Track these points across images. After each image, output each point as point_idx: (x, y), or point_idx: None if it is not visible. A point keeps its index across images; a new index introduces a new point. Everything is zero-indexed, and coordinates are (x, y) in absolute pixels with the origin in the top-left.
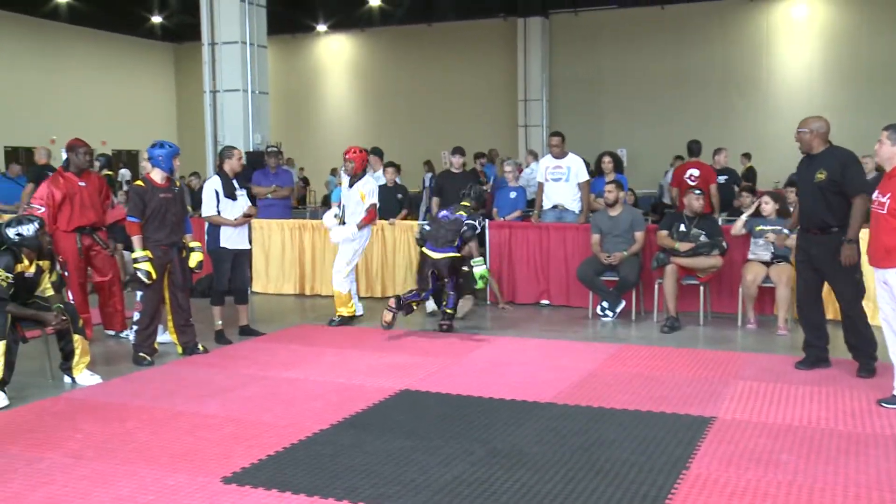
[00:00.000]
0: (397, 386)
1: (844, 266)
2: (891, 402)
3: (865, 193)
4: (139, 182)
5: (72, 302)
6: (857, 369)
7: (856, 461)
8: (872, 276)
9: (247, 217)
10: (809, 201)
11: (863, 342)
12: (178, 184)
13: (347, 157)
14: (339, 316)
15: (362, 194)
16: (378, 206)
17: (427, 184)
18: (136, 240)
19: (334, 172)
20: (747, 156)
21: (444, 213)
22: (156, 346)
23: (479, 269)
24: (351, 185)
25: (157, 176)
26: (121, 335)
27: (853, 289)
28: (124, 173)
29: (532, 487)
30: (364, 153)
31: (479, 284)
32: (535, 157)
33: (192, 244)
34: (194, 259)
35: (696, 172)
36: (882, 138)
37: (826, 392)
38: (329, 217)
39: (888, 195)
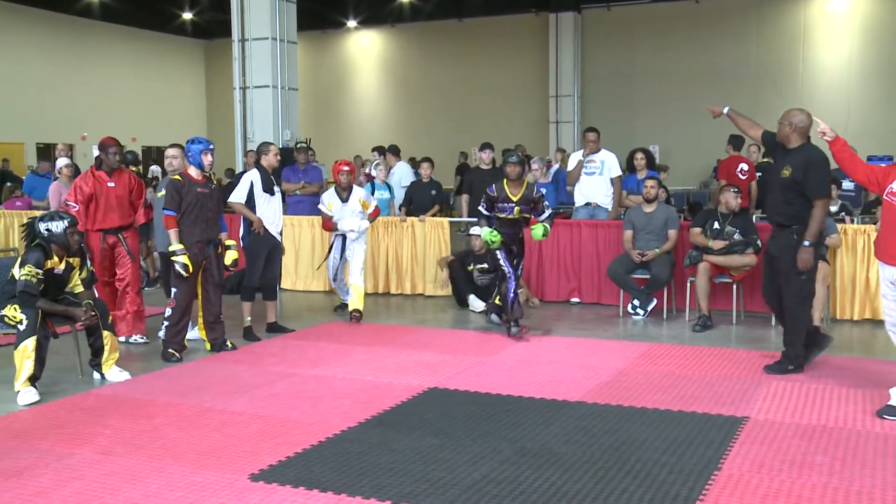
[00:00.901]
0: (426, 384)
1: (798, 268)
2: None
3: (826, 198)
4: (177, 176)
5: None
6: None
7: (894, 463)
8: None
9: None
10: (774, 195)
11: (794, 341)
12: (214, 181)
13: (347, 169)
14: (357, 311)
15: (364, 202)
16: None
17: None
18: (172, 233)
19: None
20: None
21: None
22: (185, 342)
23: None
24: (346, 200)
25: (194, 171)
26: (129, 339)
27: (797, 288)
28: (154, 170)
29: (561, 487)
30: (352, 165)
31: (539, 235)
32: (564, 154)
33: (229, 242)
34: (230, 257)
35: (745, 167)
36: None
37: (862, 393)
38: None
39: None
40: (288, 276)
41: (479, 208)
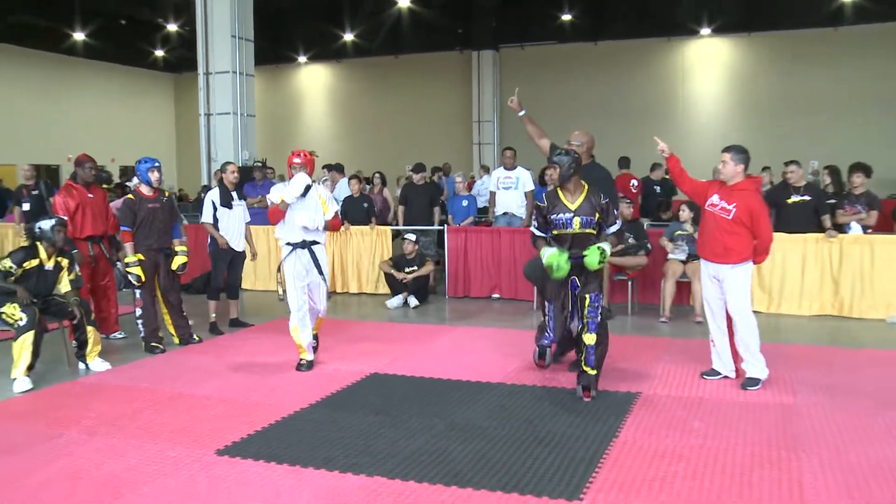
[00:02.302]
0: (367, 370)
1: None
2: (711, 375)
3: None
4: (130, 196)
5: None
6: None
7: (752, 423)
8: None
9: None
10: None
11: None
12: (167, 193)
13: (299, 161)
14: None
15: (323, 201)
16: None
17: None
18: (128, 246)
19: None
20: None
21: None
22: (161, 335)
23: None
24: (305, 194)
25: (145, 188)
26: (110, 337)
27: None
28: (132, 184)
29: (485, 455)
30: (313, 156)
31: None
32: (487, 171)
33: (178, 248)
34: (176, 262)
35: (636, 182)
36: (725, 159)
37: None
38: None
39: (734, 204)
40: (248, 277)
41: (532, 228)
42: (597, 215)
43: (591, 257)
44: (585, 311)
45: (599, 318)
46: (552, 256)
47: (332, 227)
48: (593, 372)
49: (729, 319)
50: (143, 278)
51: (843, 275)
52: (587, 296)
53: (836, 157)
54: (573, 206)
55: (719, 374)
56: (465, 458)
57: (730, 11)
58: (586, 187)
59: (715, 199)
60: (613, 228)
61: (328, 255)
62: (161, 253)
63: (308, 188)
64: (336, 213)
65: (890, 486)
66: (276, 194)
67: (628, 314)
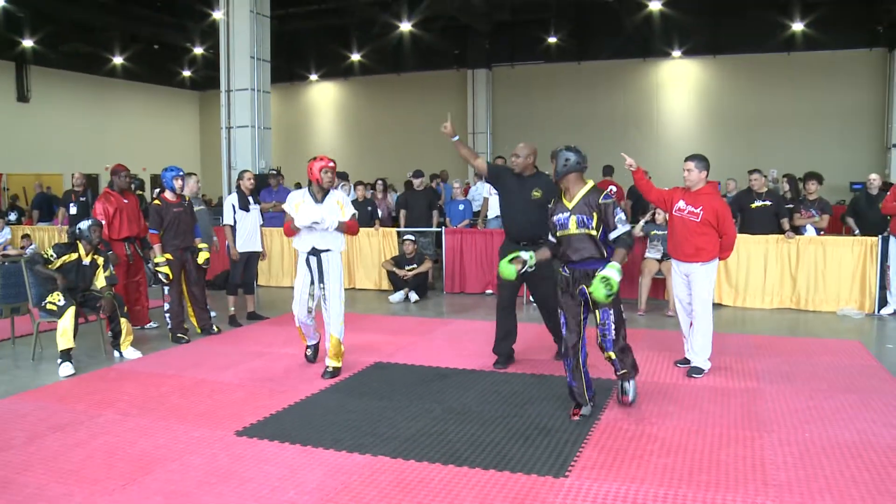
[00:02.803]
0: (372, 359)
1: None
2: (684, 363)
3: None
4: (157, 201)
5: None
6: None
7: (720, 406)
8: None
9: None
10: (522, 215)
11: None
12: (188, 199)
13: (333, 165)
14: (334, 369)
15: (340, 204)
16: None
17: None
18: (156, 248)
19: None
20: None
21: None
22: (186, 326)
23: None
24: (321, 201)
25: (169, 194)
26: (144, 328)
27: (551, 290)
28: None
29: (479, 437)
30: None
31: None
32: (481, 178)
33: (201, 245)
34: (202, 257)
35: (614, 188)
36: (690, 167)
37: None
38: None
39: (700, 207)
40: (263, 274)
41: (549, 236)
42: (594, 215)
43: (597, 292)
44: (598, 329)
45: (615, 335)
46: (502, 263)
47: (348, 228)
48: (623, 372)
49: None
50: (171, 276)
51: (800, 272)
52: (597, 312)
53: (793, 166)
54: (570, 205)
55: (690, 362)
56: (461, 439)
57: (698, 36)
58: (588, 186)
59: (681, 204)
60: (617, 232)
61: None
62: (187, 251)
63: (315, 223)
64: (353, 215)
65: (839, 460)
66: (290, 205)
67: None
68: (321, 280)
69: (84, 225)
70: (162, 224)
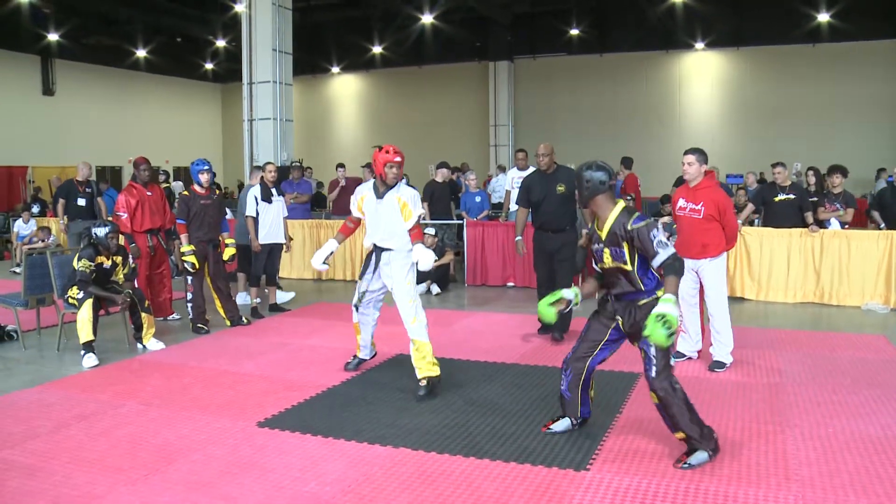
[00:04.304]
0: (393, 351)
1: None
2: (678, 357)
3: None
4: (185, 192)
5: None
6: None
7: (742, 401)
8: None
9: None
10: (548, 207)
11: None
12: (216, 192)
13: (399, 160)
14: (428, 379)
15: (403, 204)
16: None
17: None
18: (183, 237)
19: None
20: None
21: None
22: (206, 317)
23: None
24: (382, 196)
25: (197, 186)
26: (167, 319)
27: (569, 270)
28: (177, 185)
29: (501, 429)
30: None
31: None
32: (503, 170)
33: (228, 241)
34: (227, 253)
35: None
36: (691, 160)
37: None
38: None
39: (701, 203)
40: (284, 267)
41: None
42: (625, 246)
43: (655, 335)
44: (644, 366)
45: (655, 372)
46: (541, 305)
47: (413, 238)
48: (681, 435)
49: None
50: (197, 266)
51: (824, 266)
52: (642, 348)
53: (817, 159)
54: (602, 235)
55: (684, 356)
56: (482, 431)
57: (721, 28)
58: (617, 210)
59: (682, 202)
60: (660, 258)
61: (358, 244)
62: (210, 244)
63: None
64: (419, 217)
65: (862, 455)
66: (355, 201)
67: None
68: (379, 277)
69: (101, 232)
70: (189, 214)
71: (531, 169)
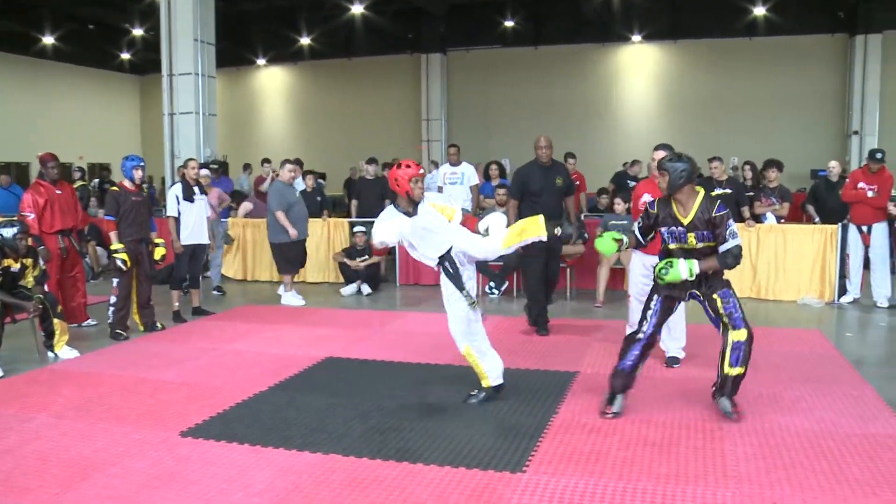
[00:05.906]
0: (322, 354)
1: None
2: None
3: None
4: (114, 188)
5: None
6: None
7: (680, 397)
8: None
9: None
10: (552, 200)
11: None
12: (145, 190)
13: (421, 173)
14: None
15: (441, 209)
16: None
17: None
18: (112, 235)
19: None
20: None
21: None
22: (128, 324)
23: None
24: (412, 214)
25: (128, 183)
26: (82, 325)
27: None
28: (96, 182)
29: (434, 432)
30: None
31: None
32: (436, 166)
33: (157, 241)
34: (158, 253)
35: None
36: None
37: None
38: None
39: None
40: (241, 269)
41: (633, 229)
42: (710, 228)
43: (602, 244)
44: (721, 312)
45: (743, 314)
46: (605, 239)
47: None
48: (741, 371)
49: None
50: (129, 264)
51: (760, 261)
52: (716, 297)
53: (753, 153)
54: (686, 221)
55: (678, 360)
56: (416, 435)
57: (658, 20)
58: (700, 197)
59: (647, 197)
60: (726, 246)
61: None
62: (142, 243)
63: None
64: (464, 212)
65: (797, 450)
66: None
67: (567, 298)
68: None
69: (8, 233)
70: (118, 211)
71: (463, 164)
